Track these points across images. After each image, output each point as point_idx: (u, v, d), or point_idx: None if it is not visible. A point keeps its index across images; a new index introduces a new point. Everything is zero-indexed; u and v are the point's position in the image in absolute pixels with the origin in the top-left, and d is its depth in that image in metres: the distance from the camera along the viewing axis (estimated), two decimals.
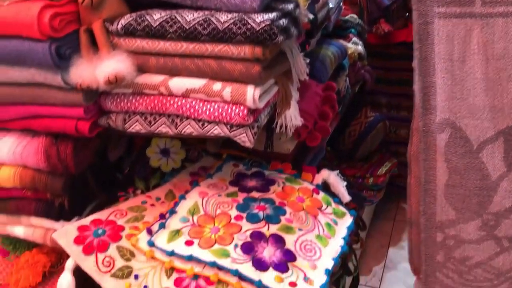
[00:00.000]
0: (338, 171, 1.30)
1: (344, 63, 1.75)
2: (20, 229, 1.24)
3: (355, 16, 2.13)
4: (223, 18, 0.95)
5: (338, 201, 1.22)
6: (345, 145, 2.16)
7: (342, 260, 1.69)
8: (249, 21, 0.93)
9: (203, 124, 1.01)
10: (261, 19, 0.93)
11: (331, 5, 1.73)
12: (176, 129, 1.03)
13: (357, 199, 1.76)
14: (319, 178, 1.27)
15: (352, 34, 2.01)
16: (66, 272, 1.11)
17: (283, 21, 0.97)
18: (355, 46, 1.98)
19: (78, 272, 1.12)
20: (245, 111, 0.97)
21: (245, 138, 0.99)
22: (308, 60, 1.16)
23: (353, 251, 1.77)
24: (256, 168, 1.27)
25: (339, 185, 1.27)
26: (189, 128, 1.02)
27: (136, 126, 1.06)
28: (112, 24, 1.03)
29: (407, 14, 2.18)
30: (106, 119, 1.08)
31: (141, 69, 1.04)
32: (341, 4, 1.98)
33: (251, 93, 0.96)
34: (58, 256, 1.33)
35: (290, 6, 1.02)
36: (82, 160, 1.13)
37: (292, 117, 1.14)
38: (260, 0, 0.94)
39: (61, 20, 1.00)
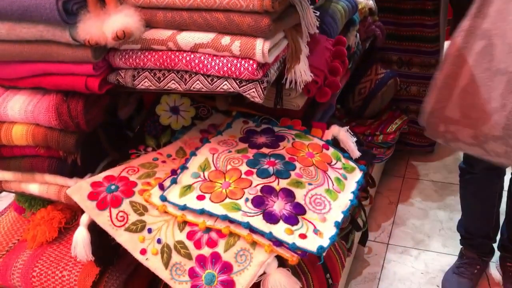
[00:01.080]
0: (348, 127, 1.30)
1: (354, 18, 1.72)
2: (34, 186, 1.26)
3: None
4: None
5: (348, 156, 1.22)
6: (355, 102, 2.14)
7: (351, 216, 1.72)
8: None
9: (212, 80, 1.01)
10: None
11: None
12: (185, 85, 1.03)
13: (367, 156, 1.76)
14: (328, 134, 1.27)
15: None
16: (81, 227, 1.14)
17: None
18: (365, 1, 1.93)
19: (93, 227, 1.15)
20: (255, 65, 0.96)
21: (254, 93, 0.99)
22: (318, 14, 1.14)
23: (362, 207, 1.79)
24: (266, 125, 1.27)
25: (349, 141, 1.27)
26: (198, 84, 1.02)
27: (145, 83, 1.06)
28: None
29: None
30: (116, 76, 1.08)
31: (149, 24, 1.03)
32: None
33: (260, 47, 0.95)
34: (73, 213, 1.36)
35: None
36: (93, 117, 1.13)
37: (302, 72, 1.13)
38: None
39: None
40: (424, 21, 2.18)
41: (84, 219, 1.14)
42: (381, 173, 2.42)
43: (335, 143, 1.27)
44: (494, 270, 1.87)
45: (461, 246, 1.85)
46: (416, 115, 2.40)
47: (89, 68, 1.04)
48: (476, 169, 1.61)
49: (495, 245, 1.84)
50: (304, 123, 1.28)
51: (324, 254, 0.95)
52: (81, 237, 1.13)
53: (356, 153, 1.27)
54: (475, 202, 1.70)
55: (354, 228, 1.71)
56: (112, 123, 1.30)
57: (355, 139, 1.31)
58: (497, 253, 1.86)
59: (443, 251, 2.00)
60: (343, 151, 1.25)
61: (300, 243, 0.95)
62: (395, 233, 2.13)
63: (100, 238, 1.15)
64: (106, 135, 1.25)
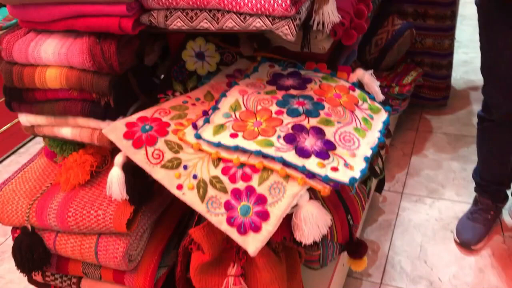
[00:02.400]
0: (372, 71, 1.32)
1: None
2: (67, 130, 1.30)
3: None
4: None
5: (373, 98, 1.25)
6: (372, 54, 2.15)
7: (369, 164, 1.76)
8: None
9: (244, 18, 1.02)
10: None
11: None
12: (218, 24, 1.04)
13: (384, 106, 1.79)
14: (353, 77, 1.29)
15: None
16: (115, 167, 1.18)
17: None
18: None
19: (127, 167, 1.19)
20: (288, 1, 0.98)
21: (287, 31, 1.01)
22: None
23: (380, 155, 1.83)
24: (292, 68, 1.29)
25: (374, 84, 1.30)
26: (231, 22, 1.03)
27: (177, 23, 1.07)
28: None
29: None
30: (148, 17, 1.09)
31: None
32: None
33: None
34: (103, 158, 1.40)
35: None
36: (125, 60, 1.16)
37: (330, 13, 1.14)
38: None
39: None
40: None
41: (118, 160, 1.18)
42: (395, 126, 2.45)
43: (360, 86, 1.30)
44: (507, 216, 1.93)
45: (476, 193, 1.89)
46: (430, 68, 2.41)
47: (122, 9, 1.06)
48: (494, 115, 1.64)
49: (509, 192, 1.89)
50: (329, 67, 1.30)
51: (356, 184, 0.99)
52: (116, 177, 1.17)
53: (381, 96, 1.30)
54: (491, 150, 1.73)
55: (371, 174, 1.75)
56: (140, 68, 1.32)
57: (378, 83, 1.33)
58: (511, 200, 1.91)
59: (456, 199, 2.05)
60: (369, 93, 1.28)
61: (333, 175, 0.99)
62: (409, 183, 2.18)
63: (134, 178, 1.19)
64: (136, 79, 1.27)
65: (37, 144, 2.65)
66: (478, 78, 1.61)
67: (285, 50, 1.34)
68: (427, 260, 1.80)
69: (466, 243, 1.80)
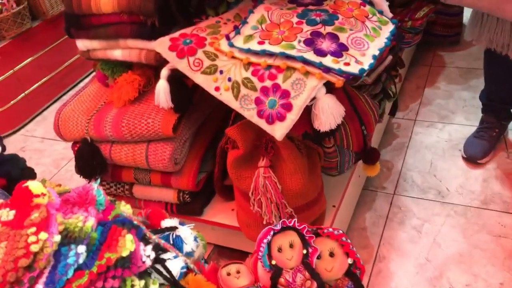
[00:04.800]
0: None
1: None
2: (118, 52, 1.52)
3: None
4: None
5: (382, 12, 1.42)
6: None
7: (383, 85, 1.94)
8: None
9: None
10: None
11: None
12: None
13: (397, 37, 1.95)
14: None
15: None
16: (161, 80, 1.40)
17: None
18: None
19: (171, 78, 1.40)
20: None
21: None
22: None
23: (393, 80, 2.01)
24: None
25: (383, 2, 1.47)
26: None
27: None
28: None
29: None
30: None
31: None
32: None
33: None
34: (148, 79, 1.62)
35: None
36: None
37: None
38: None
39: None
40: None
41: (163, 73, 1.39)
42: (409, 62, 2.61)
43: (370, 3, 1.47)
44: (511, 134, 2.09)
45: (482, 113, 2.06)
46: (442, 5, 2.54)
47: None
48: None
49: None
50: None
51: (365, 74, 1.18)
52: (162, 87, 1.39)
53: (389, 13, 1.47)
54: (497, 71, 1.89)
55: (385, 96, 1.94)
56: None
57: (388, 2, 1.50)
58: None
59: (465, 123, 2.22)
60: (377, 10, 1.45)
61: (345, 68, 1.18)
62: (421, 111, 2.35)
63: (178, 88, 1.41)
64: (176, 4, 1.47)
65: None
66: None
67: None
68: (437, 174, 1.99)
69: (473, 157, 1.98)
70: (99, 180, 0.93)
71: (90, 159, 1.59)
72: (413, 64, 2.65)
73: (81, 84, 2.60)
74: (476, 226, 1.73)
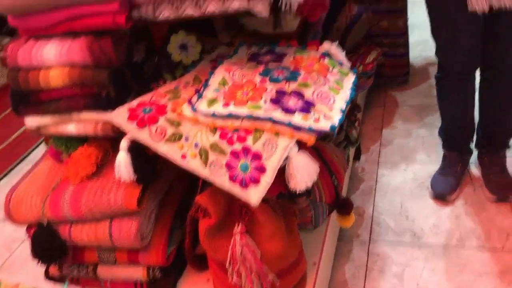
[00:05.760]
0: (337, 42, 1.49)
1: None
2: (72, 126, 1.42)
3: None
4: None
5: (341, 64, 1.42)
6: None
7: (345, 132, 1.93)
8: None
9: (223, 1, 1.18)
10: None
11: None
12: (201, 9, 1.20)
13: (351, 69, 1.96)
14: (321, 49, 1.46)
15: None
16: (121, 152, 1.31)
17: None
18: None
19: (132, 150, 1.32)
20: None
21: (261, 8, 1.17)
22: None
23: (354, 125, 2.01)
24: (267, 47, 1.46)
25: (340, 54, 1.47)
26: (212, 6, 1.19)
27: (165, 13, 1.22)
28: None
29: None
30: (138, 11, 1.24)
31: None
32: None
33: None
34: (105, 151, 1.52)
35: None
36: (120, 53, 1.30)
37: None
38: None
39: None
40: None
41: (123, 144, 1.31)
42: (363, 105, 2.64)
43: (328, 55, 1.47)
44: (474, 168, 2.12)
45: (443, 150, 2.09)
46: (389, 48, 2.63)
47: (115, 6, 1.20)
48: (449, 74, 1.84)
49: (472, 146, 2.09)
50: (300, 43, 1.47)
51: (336, 130, 1.15)
52: (123, 160, 1.30)
53: (347, 63, 1.47)
54: (450, 105, 1.93)
55: (348, 143, 1.93)
56: (132, 63, 1.46)
57: (344, 52, 1.51)
58: (475, 153, 2.11)
59: (428, 161, 2.24)
60: (337, 61, 1.45)
61: (315, 125, 1.15)
62: (383, 153, 2.36)
63: (139, 158, 1.32)
64: (130, 72, 1.41)
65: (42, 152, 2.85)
66: (434, 55, 1.83)
67: (259, 33, 1.50)
68: (408, 215, 1.97)
69: (441, 195, 1.98)
70: (66, 284, 0.82)
71: (47, 244, 1.45)
72: (368, 106, 2.69)
73: (31, 157, 2.46)
74: (457, 267, 1.71)
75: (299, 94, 1.23)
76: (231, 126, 1.20)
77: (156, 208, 1.51)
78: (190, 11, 1.21)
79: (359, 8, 2.31)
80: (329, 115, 1.19)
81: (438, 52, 1.83)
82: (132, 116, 1.26)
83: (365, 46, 2.52)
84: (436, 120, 2.46)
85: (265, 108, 1.19)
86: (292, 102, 1.21)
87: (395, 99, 2.73)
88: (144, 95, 1.33)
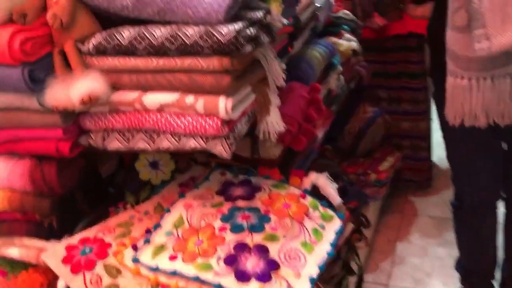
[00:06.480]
0: (327, 173, 1.29)
1: (334, 61, 1.73)
2: (15, 250, 1.26)
3: (347, 12, 2.11)
4: (190, 32, 0.95)
5: (326, 204, 1.20)
6: (345, 142, 2.14)
7: (344, 261, 1.68)
8: (215, 33, 0.92)
9: (179, 138, 1.01)
10: (227, 30, 0.92)
11: (318, 4, 1.71)
12: (154, 144, 1.03)
13: (358, 197, 1.73)
14: (307, 181, 1.25)
15: (344, 31, 1.99)
16: None
17: (251, 30, 0.96)
18: (348, 42, 1.95)
19: None
20: (219, 122, 0.97)
21: (221, 150, 0.99)
22: (284, 67, 1.15)
23: (355, 251, 1.75)
24: (243, 175, 1.27)
25: (329, 187, 1.26)
26: (166, 143, 1.02)
27: (115, 144, 1.06)
28: (84, 44, 1.04)
29: (400, 5, 2.14)
30: (86, 138, 1.09)
31: (115, 87, 1.05)
32: (332, 0, 1.96)
33: (223, 104, 0.96)
34: (55, 275, 1.35)
35: (260, 14, 1.01)
36: (68, 180, 1.14)
37: (274, 123, 1.14)
38: (225, 11, 0.93)
39: (34, 44, 1.01)
40: (409, 57, 2.20)
41: (61, 284, 1.13)
42: (379, 210, 2.39)
43: (315, 190, 1.26)
44: None
45: (461, 285, 1.80)
46: (410, 150, 2.39)
47: (59, 132, 1.06)
48: (465, 205, 1.59)
49: (495, 283, 1.79)
50: (283, 171, 1.27)
51: None
52: None
53: (337, 200, 1.25)
54: (469, 238, 1.66)
55: (347, 273, 1.68)
56: (91, 182, 1.30)
57: (336, 185, 1.30)
58: None
59: None
60: (323, 198, 1.24)
61: None
62: (394, 273, 2.08)
63: None
64: (84, 195, 1.25)
65: None
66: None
67: (238, 156, 1.32)
68: None
69: None
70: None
71: None
72: (384, 212, 2.43)
73: None
74: None
75: (262, 250, 1.02)
76: (175, 286, 0.99)
77: None
78: (142, 145, 1.04)
79: (375, 111, 2.12)
80: (294, 286, 0.97)
81: (453, 178, 1.59)
82: (68, 257, 1.08)
83: (382, 148, 2.30)
84: None
85: (216, 271, 0.98)
86: (251, 262, 1.00)
87: (415, 206, 2.46)
88: (91, 228, 1.16)
